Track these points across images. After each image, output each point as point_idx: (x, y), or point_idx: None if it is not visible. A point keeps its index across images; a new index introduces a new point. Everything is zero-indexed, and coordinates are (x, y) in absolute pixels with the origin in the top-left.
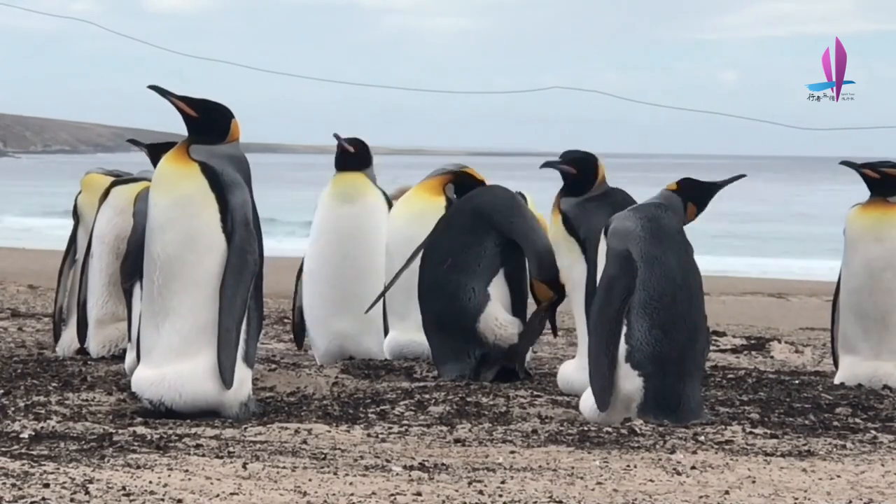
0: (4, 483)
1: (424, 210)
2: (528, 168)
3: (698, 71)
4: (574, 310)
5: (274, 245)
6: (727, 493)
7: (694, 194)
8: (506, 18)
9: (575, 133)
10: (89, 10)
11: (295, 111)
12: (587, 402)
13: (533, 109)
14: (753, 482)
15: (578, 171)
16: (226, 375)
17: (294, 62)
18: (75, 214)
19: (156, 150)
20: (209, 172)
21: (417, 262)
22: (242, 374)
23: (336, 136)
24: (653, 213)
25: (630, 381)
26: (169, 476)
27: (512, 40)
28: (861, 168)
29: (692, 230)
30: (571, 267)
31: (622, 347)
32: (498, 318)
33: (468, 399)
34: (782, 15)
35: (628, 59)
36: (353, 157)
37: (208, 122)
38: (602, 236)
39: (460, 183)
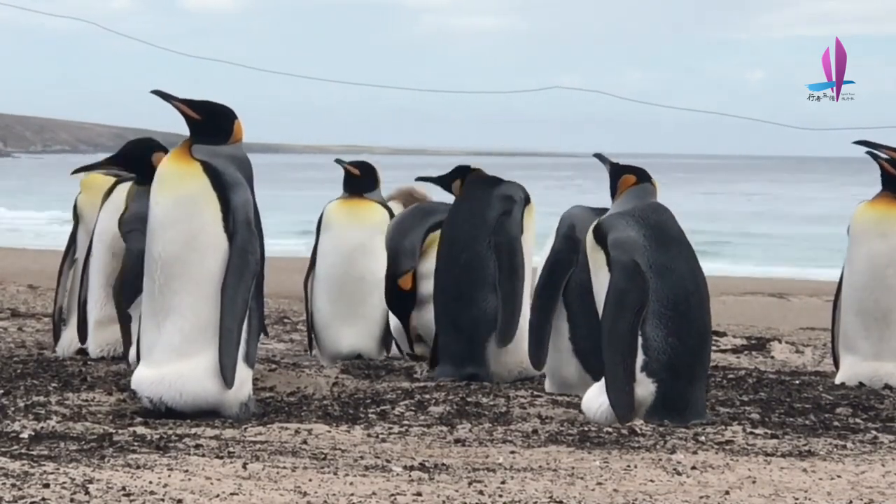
0: (4, 483)
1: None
2: (528, 168)
3: (729, 70)
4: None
5: (274, 245)
6: (727, 493)
7: None
8: (543, 17)
9: (578, 133)
10: (126, 9)
11: (303, 111)
12: (590, 403)
13: (535, 109)
14: (754, 482)
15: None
16: (227, 375)
17: (327, 62)
18: (75, 214)
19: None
20: (211, 172)
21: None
22: (243, 375)
23: (339, 161)
24: (653, 218)
25: (643, 388)
26: (169, 476)
27: (546, 39)
28: (881, 160)
29: (694, 231)
30: (596, 273)
31: (640, 358)
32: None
33: (468, 399)
34: (823, 14)
35: (663, 58)
36: (359, 179)
37: (211, 124)
38: (591, 240)
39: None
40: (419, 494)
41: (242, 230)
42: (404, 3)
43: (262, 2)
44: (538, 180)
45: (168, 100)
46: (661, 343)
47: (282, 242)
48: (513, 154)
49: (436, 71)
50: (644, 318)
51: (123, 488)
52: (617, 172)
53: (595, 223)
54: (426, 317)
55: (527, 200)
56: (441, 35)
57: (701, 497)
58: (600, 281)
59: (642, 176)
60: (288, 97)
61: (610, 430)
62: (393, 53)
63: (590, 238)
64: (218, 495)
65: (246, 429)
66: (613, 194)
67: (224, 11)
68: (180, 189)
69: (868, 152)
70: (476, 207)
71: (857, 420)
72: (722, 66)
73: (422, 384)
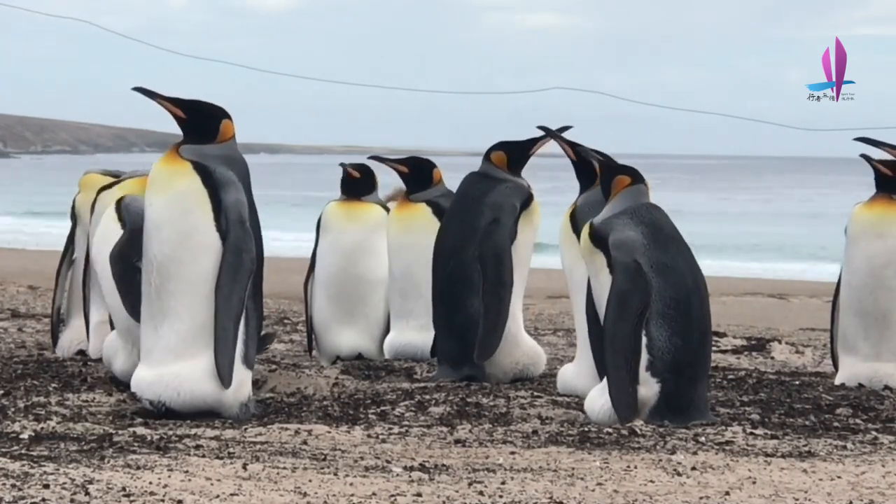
0: (4, 484)
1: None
2: (533, 169)
3: (771, 71)
4: (574, 311)
5: (274, 245)
6: (727, 493)
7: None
8: (600, 15)
9: (581, 133)
10: (187, 8)
11: (304, 111)
12: (592, 404)
13: (537, 109)
14: (754, 483)
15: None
16: (223, 375)
17: (367, 60)
18: (73, 215)
19: None
20: (201, 170)
21: (413, 262)
22: (242, 375)
23: (342, 165)
24: (649, 217)
25: (647, 388)
26: (169, 477)
27: (605, 37)
28: (875, 163)
29: (695, 232)
30: (573, 267)
31: (644, 358)
32: (507, 336)
33: (468, 400)
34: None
35: (721, 59)
36: (357, 182)
37: (197, 123)
38: (588, 242)
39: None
40: (419, 495)
41: (236, 229)
42: (463, 2)
43: (323, 1)
44: (540, 181)
45: (152, 97)
46: (665, 343)
47: (283, 238)
48: None
49: (475, 70)
50: (648, 318)
51: (123, 489)
52: (611, 172)
53: (590, 224)
54: None
55: (526, 204)
56: (492, 32)
57: (701, 498)
58: (601, 283)
59: (636, 177)
60: (292, 97)
61: (610, 430)
62: (435, 53)
63: (586, 240)
64: (218, 496)
65: (246, 429)
66: (606, 193)
67: (282, 10)
68: (170, 189)
69: (862, 155)
70: (467, 213)
71: (858, 421)
72: (779, 66)
73: (422, 385)
